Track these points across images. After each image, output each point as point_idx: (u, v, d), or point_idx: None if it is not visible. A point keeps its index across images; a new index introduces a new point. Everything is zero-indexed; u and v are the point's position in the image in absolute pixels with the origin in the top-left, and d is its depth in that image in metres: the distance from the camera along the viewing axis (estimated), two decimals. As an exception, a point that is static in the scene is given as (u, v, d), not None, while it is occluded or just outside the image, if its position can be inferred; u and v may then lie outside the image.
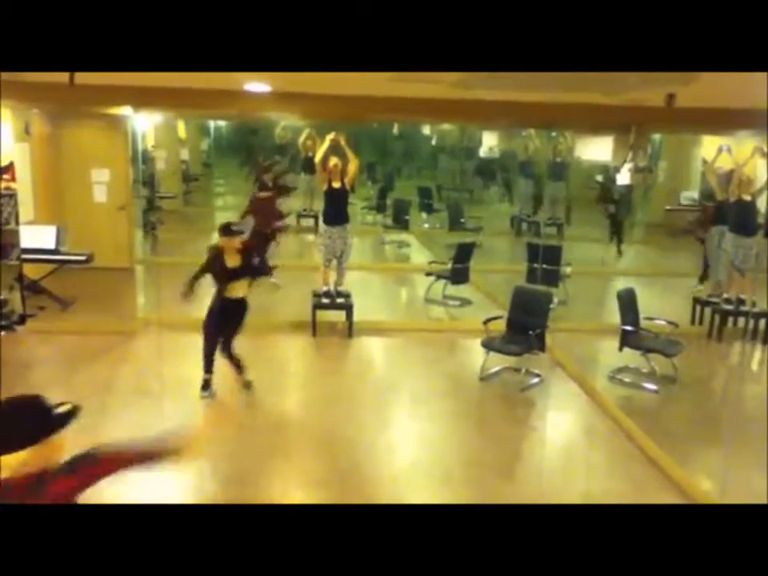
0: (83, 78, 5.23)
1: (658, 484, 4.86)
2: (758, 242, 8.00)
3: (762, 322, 7.86)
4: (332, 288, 7.92)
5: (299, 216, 12.79)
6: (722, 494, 4.63)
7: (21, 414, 2.06)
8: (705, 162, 9.54)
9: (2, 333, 7.15)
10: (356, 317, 7.73)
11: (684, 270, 10.43)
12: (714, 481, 5.00)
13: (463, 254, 8.94)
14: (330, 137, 7.69)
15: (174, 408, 5.78)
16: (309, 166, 11.46)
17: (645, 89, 4.10)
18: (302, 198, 13.13)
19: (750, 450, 5.20)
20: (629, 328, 6.56)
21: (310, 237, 11.96)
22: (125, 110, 8.47)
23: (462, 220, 12.15)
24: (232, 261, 5.77)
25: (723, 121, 7.01)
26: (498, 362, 6.68)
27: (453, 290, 9.06)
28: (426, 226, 13.56)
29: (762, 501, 4.10)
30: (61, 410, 2.09)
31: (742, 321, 8.02)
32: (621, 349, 6.59)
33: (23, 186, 8.11)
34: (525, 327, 6.39)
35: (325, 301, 7.85)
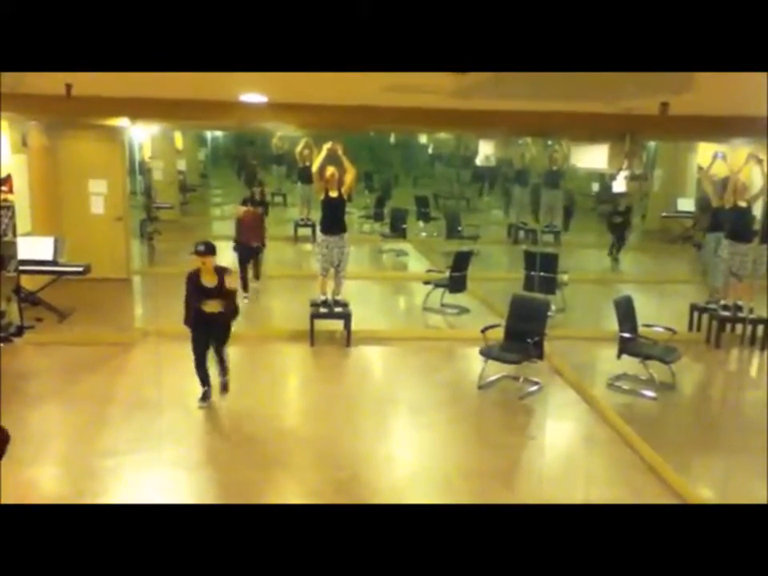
0: (80, 89, 5.25)
1: (657, 491, 4.85)
2: (754, 249, 8.03)
3: (760, 328, 7.88)
4: (330, 297, 7.92)
5: (297, 225, 12.82)
6: (721, 501, 4.62)
7: None
8: (700, 168, 9.59)
9: (0, 344, 7.14)
10: (354, 326, 7.73)
11: (681, 276, 10.46)
12: (713, 488, 5.00)
13: (461, 262, 8.96)
14: (326, 146, 7.71)
15: (173, 418, 5.78)
16: (306, 176, 11.48)
17: (639, 97, 4.12)
18: (299, 207, 13.17)
19: (749, 457, 5.20)
20: (627, 335, 6.56)
21: (308, 246, 11.97)
22: (122, 122, 8.49)
23: (460, 228, 12.18)
24: (208, 279, 5.72)
25: (717, 128, 7.04)
26: (497, 370, 6.68)
27: (450, 298, 9.07)
28: (424, 234, 13.59)
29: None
30: None
31: (739, 327, 8.04)
32: (619, 356, 6.60)
33: (21, 197, 8.12)
34: (523, 335, 6.40)
35: (323, 310, 7.85)
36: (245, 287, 8.95)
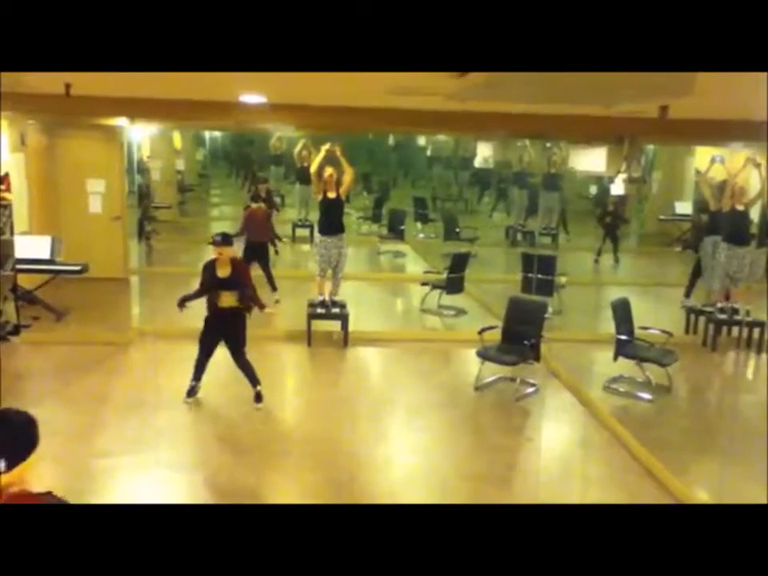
0: (79, 89, 5.25)
1: (654, 494, 4.86)
2: (752, 252, 8.05)
3: (756, 331, 7.90)
4: (327, 298, 7.92)
5: (295, 226, 12.82)
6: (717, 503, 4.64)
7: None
8: (698, 172, 9.61)
9: (-4, 343, 7.13)
10: (351, 327, 7.73)
11: (678, 279, 10.47)
12: (709, 490, 5.01)
13: (458, 263, 8.97)
14: (325, 147, 7.72)
15: (169, 418, 5.77)
16: (304, 177, 11.49)
17: (638, 101, 4.13)
18: (297, 208, 13.17)
19: (745, 459, 5.21)
20: (623, 337, 6.58)
21: (306, 247, 11.97)
22: (120, 121, 8.49)
23: (457, 230, 12.19)
24: (223, 270, 5.79)
25: (716, 132, 7.07)
26: (493, 371, 6.69)
27: (448, 299, 9.07)
28: (422, 236, 13.59)
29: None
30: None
31: (736, 330, 8.06)
32: (615, 358, 6.61)
33: (18, 196, 8.11)
34: (520, 337, 6.41)
35: (320, 311, 7.86)
36: (273, 287, 8.96)
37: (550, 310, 7.42)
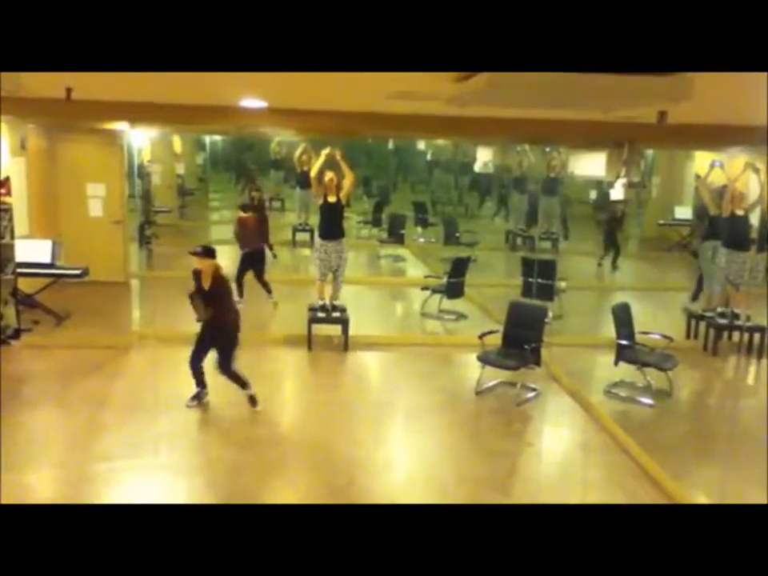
0: (80, 93, 5.26)
1: (655, 499, 4.85)
2: (751, 257, 8.06)
3: (757, 336, 7.90)
4: (328, 302, 7.92)
5: (295, 230, 12.83)
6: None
7: None
8: (698, 177, 9.62)
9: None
10: (352, 331, 7.73)
11: (678, 284, 10.48)
12: (710, 495, 5.00)
13: (458, 268, 8.97)
14: (325, 151, 7.73)
15: (169, 422, 5.77)
16: (304, 181, 11.51)
17: (637, 106, 4.14)
18: (297, 212, 13.18)
19: (746, 465, 5.21)
20: (624, 342, 6.57)
21: (306, 251, 11.97)
22: (121, 125, 8.50)
23: (457, 234, 12.20)
24: (206, 282, 5.76)
25: (715, 137, 7.07)
26: (494, 376, 6.68)
27: (448, 304, 9.07)
28: (422, 240, 13.60)
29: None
30: None
31: (736, 335, 8.06)
32: (616, 363, 6.60)
33: (19, 200, 8.11)
34: (520, 341, 6.40)
35: (320, 315, 7.85)
36: (240, 292, 8.90)
37: (550, 314, 7.41)
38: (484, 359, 6.50)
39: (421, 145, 15.97)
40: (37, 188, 9.08)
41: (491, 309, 9.02)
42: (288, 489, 5.00)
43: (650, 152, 12.56)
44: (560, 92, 3.01)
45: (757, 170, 7.90)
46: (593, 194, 13.87)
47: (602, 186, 11.23)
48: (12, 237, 7.52)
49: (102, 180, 9.81)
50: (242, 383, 5.98)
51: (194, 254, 5.75)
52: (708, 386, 7.81)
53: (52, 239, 8.19)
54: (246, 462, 5.20)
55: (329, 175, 7.73)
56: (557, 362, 7.24)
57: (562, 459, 5.71)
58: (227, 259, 8.97)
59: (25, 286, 7.95)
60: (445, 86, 3.64)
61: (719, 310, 8.11)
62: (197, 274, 5.81)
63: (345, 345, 7.70)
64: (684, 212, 12.67)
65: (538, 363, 6.47)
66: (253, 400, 5.99)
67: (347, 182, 7.77)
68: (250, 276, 9.07)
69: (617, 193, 6.78)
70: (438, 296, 9.01)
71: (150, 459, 5.14)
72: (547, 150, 12.16)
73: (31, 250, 7.91)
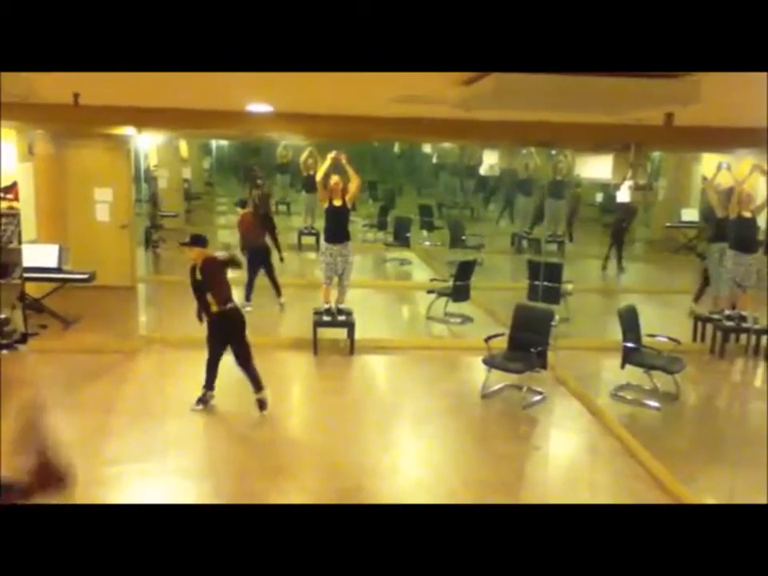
0: (87, 98, 5.29)
1: (662, 502, 4.83)
2: (759, 259, 8.02)
3: (764, 339, 7.86)
4: (333, 306, 7.93)
5: (301, 234, 12.85)
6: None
7: None
8: (704, 179, 9.59)
9: (4, 351, 7.15)
10: (357, 334, 7.73)
11: (685, 286, 10.44)
12: (718, 498, 4.97)
13: (464, 271, 8.96)
14: (331, 155, 7.75)
15: (177, 427, 5.78)
16: (310, 185, 11.53)
17: (644, 108, 4.14)
18: (303, 216, 13.21)
19: (754, 468, 5.18)
20: (631, 345, 6.55)
21: (312, 255, 11.99)
22: (128, 130, 8.54)
23: (463, 237, 12.19)
24: (198, 272, 5.75)
25: (722, 139, 7.06)
26: (500, 379, 6.67)
27: (454, 307, 9.07)
28: (427, 243, 13.60)
29: None
30: None
31: (743, 338, 8.02)
32: (623, 366, 6.58)
33: (26, 205, 8.16)
34: (526, 345, 6.39)
35: (326, 318, 7.86)
36: (248, 296, 8.92)
37: (556, 317, 7.40)
38: (490, 362, 6.49)
39: (426, 148, 15.98)
40: (44, 193, 9.12)
41: (497, 312, 9.01)
42: (296, 493, 5.00)
43: (656, 154, 12.53)
44: (567, 95, 3.01)
45: (764, 172, 7.86)
46: (599, 197, 13.85)
47: (609, 189, 11.20)
48: (19, 241, 7.56)
49: (109, 185, 9.85)
50: (258, 384, 5.96)
51: (183, 244, 5.73)
52: (715, 389, 7.77)
53: (59, 244, 8.22)
54: (253, 466, 5.20)
55: (334, 179, 7.74)
56: (563, 365, 7.23)
57: (569, 462, 5.70)
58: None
59: (32, 290, 7.99)
60: (451, 90, 3.65)
61: (726, 312, 8.07)
62: (192, 270, 5.77)
63: (351, 348, 7.70)
64: (691, 214, 12.62)
65: (544, 366, 6.46)
66: (262, 403, 5.98)
67: (353, 185, 7.78)
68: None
69: (623, 195, 6.78)
70: (443, 299, 9.01)
71: (158, 463, 5.15)
72: (553, 152, 12.15)
73: (38, 254, 7.95)
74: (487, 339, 6.56)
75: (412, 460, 5.60)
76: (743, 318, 7.97)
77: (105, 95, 5.29)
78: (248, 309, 8.36)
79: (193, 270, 5.79)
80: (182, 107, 6.49)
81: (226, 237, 14.97)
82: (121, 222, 9.92)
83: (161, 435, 5.59)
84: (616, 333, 6.79)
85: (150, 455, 5.26)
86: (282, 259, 10.99)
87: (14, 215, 7.48)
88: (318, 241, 11.04)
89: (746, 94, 3.82)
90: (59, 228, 9.42)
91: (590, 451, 5.82)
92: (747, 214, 7.95)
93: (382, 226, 13.67)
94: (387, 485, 5.11)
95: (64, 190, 9.73)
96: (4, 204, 7.50)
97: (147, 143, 11.21)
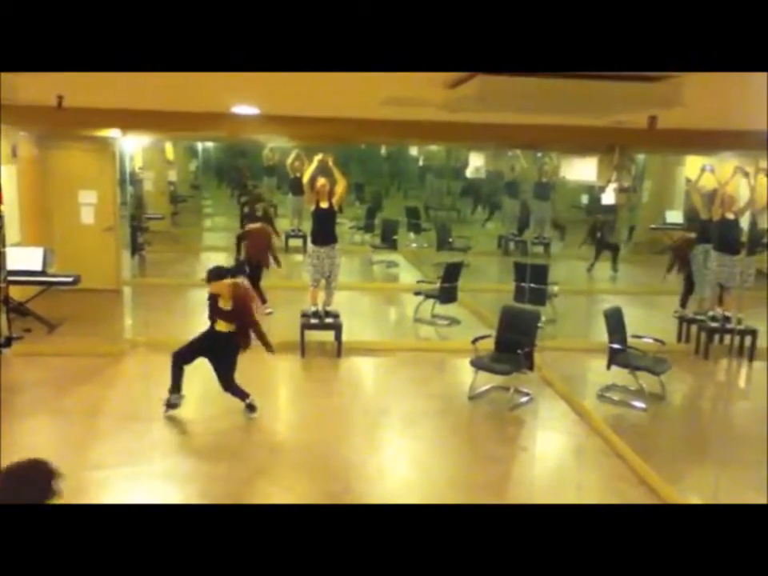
0: (72, 101, 5.26)
1: (648, 502, 4.86)
2: (742, 260, 8.10)
3: (748, 339, 7.94)
4: (320, 308, 7.92)
5: (288, 236, 12.82)
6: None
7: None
8: (689, 181, 9.68)
9: (-12, 356, 7.09)
10: (345, 337, 7.72)
11: (670, 287, 10.51)
12: (704, 499, 5.01)
13: (451, 273, 8.98)
14: (317, 157, 7.74)
15: (162, 430, 5.75)
16: (297, 187, 11.50)
17: (628, 111, 4.17)
18: (290, 218, 13.18)
19: (740, 466, 5.23)
20: (616, 346, 6.60)
21: (299, 257, 11.96)
22: (113, 133, 8.50)
23: (450, 240, 12.22)
24: (224, 303, 5.79)
25: (705, 142, 7.13)
26: (487, 380, 6.69)
27: (441, 309, 9.09)
28: (414, 245, 13.62)
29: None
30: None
31: (727, 338, 8.10)
32: (609, 367, 6.63)
33: (10, 208, 8.08)
34: (513, 346, 6.41)
35: (313, 321, 7.85)
36: (263, 300, 8.94)
37: (543, 318, 7.43)
38: (477, 364, 6.51)
39: (413, 150, 16.01)
40: (28, 196, 9.05)
41: (484, 313, 9.04)
42: (283, 495, 4.98)
43: (641, 156, 12.63)
44: (551, 98, 3.03)
45: (746, 174, 7.95)
46: (584, 199, 13.93)
47: (594, 191, 11.26)
48: (3, 244, 7.49)
49: (94, 187, 9.79)
50: (243, 396, 5.98)
51: (207, 281, 5.81)
52: (700, 389, 7.84)
53: (43, 247, 8.16)
54: (240, 470, 5.18)
55: (321, 181, 7.73)
56: (550, 366, 7.26)
57: (556, 463, 5.72)
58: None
59: (16, 293, 7.91)
60: (437, 92, 3.66)
61: (710, 313, 8.15)
62: (213, 299, 5.83)
63: (338, 351, 7.69)
64: (675, 216, 12.74)
65: (530, 368, 6.49)
66: (251, 407, 5.98)
67: (339, 187, 7.78)
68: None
69: (608, 197, 6.82)
70: (431, 301, 9.03)
71: (144, 467, 5.12)
72: (539, 155, 12.21)
73: (23, 257, 7.88)
74: (474, 341, 6.59)
75: (399, 461, 5.60)
76: (727, 319, 8.05)
77: (89, 97, 5.26)
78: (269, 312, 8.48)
79: (213, 299, 5.81)
80: (167, 109, 6.46)
81: (212, 239, 14.95)
82: (106, 224, 9.86)
83: (147, 439, 5.55)
84: (602, 334, 6.83)
85: (136, 458, 5.23)
86: (279, 265, 10.86)
87: (-3, 218, 7.41)
88: (305, 243, 11.00)
89: (728, 97, 3.87)
90: (44, 231, 9.35)
91: (577, 452, 5.85)
92: (730, 216, 8.03)
93: (369, 228, 13.68)
94: (374, 486, 5.11)
95: (48, 192, 9.65)
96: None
97: (132, 145, 11.15)
